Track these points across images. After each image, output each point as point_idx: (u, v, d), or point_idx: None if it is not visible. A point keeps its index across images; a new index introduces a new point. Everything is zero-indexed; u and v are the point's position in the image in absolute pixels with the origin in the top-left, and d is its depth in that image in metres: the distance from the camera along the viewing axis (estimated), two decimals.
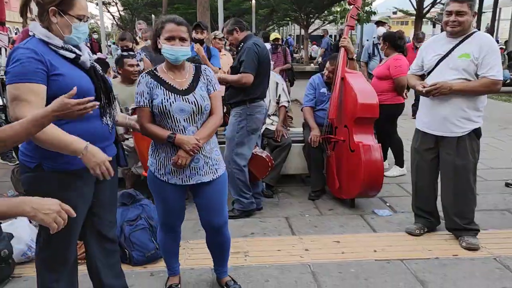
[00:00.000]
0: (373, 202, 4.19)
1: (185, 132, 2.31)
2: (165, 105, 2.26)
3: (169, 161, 2.34)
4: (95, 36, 15.16)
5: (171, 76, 2.35)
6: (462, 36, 3.08)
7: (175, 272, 2.74)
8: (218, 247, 2.65)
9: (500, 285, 2.76)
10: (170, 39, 2.27)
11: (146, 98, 2.30)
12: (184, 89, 2.32)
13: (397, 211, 4.01)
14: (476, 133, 3.16)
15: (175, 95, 2.29)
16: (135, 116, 2.49)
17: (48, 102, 1.87)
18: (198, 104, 2.30)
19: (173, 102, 2.27)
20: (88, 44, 13.67)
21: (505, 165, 5.07)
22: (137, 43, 5.76)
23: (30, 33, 1.96)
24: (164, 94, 2.28)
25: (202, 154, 2.36)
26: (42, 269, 2.14)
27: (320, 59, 13.43)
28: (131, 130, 3.78)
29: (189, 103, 2.29)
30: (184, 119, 2.30)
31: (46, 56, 1.87)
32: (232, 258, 3.05)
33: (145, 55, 5.41)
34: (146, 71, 2.39)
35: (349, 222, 3.78)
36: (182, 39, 2.29)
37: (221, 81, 3.60)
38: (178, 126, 2.30)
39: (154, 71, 2.38)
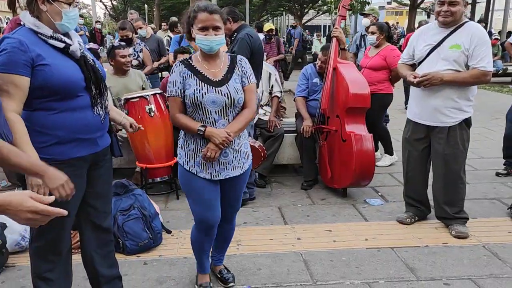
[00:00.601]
0: (365, 191, 4.24)
1: (215, 124, 2.25)
2: (197, 96, 2.20)
3: (198, 153, 2.28)
4: (97, 25, 14.93)
5: (206, 66, 2.28)
6: (453, 26, 3.08)
7: (205, 270, 2.66)
8: (223, 234, 2.63)
9: (488, 271, 2.81)
10: (203, 29, 2.19)
11: (178, 88, 2.25)
12: (217, 80, 2.25)
13: (388, 200, 4.05)
14: (467, 123, 3.19)
15: (208, 86, 2.22)
16: (131, 118, 2.49)
17: (35, 92, 1.89)
18: (231, 97, 2.23)
19: (205, 94, 2.20)
20: (87, 33, 13.50)
21: (496, 155, 5.13)
22: (136, 33, 5.62)
23: (21, 23, 1.95)
24: (197, 85, 2.22)
25: (231, 147, 2.30)
26: (36, 259, 2.14)
27: (293, 52, 13.23)
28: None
29: (222, 95, 2.22)
30: (215, 111, 2.23)
31: (32, 46, 1.86)
32: None
33: (144, 45, 5.38)
34: (180, 60, 2.32)
35: (341, 211, 3.82)
36: (216, 28, 2.21)
37: None
38: (209, 118, 2.24)
39: (189, 60, 2.32)
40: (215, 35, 2.20)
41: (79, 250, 2.37)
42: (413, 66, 3.35)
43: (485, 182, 4.49)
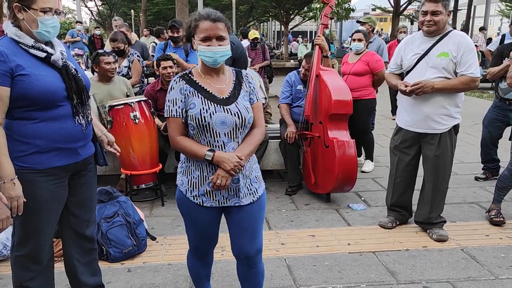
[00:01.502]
0: (348, 196, 4.30)
1: (224, 148, 1.99)
2: (204, 117, 1.94)
3: (204, 181, 2.02)
4: (97, 32, 14.73)
5: (209, 81, 2.03)
6: (438, 35, 3.16)
7: None
8: (250, 279, 2.27)
9: (466, 274, 2.88)
10: (205, 39, 1.94)
11: (179, 107, 1.98)
12: (225, 97, 2.00)
13: (371, 205, 4.12)
14: (455, 129, 3.29)
15: (215, 104, 1.96)
16: (111, 136, 2.40)
17: (15, 102, 1.90)
18: (241, 116, 1.98)
19: (213, 113, 1.95)
20: (84, 40, 13.26)
21: (476, 160, 5.25)
22: (130, 44, 5.41)
23: (5, 32, 1.97)
24: (202, 103, 1.96)
25: (241, 171, 2.03)
26: (17, 268, 2.14)
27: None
28: (109, 126, 3.81)
29: (232, 114, 1.97)
30: (225, 133, 1.98)
31: (12, 57, 1.87)
32: None
33: (137, 55, 5.28)
34: (179, 75, 2.05)
35: (324, 216, 3.87)
36: (220, 38, 1.95)
37: None
38: (218, 141, 1.98)
39: (189, 74, 2.05)
40: (219, 45, 1.95)
41: (62, 258, 2.37)
42: (401, 76, 3.43)
43: (464, 187, 4.59)
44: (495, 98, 4.54)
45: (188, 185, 2.06)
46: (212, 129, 1.96)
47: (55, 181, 2.03)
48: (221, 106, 1.98)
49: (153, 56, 6.73)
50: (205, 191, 2.04)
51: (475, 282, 2.79)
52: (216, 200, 2.06)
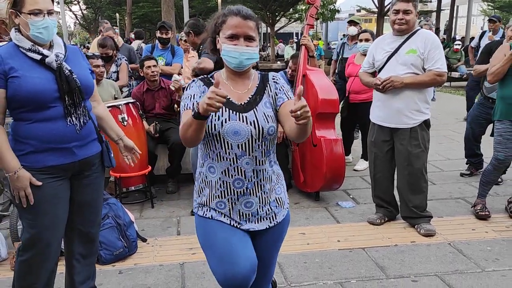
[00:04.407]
0: (337, 194, 4.34)
1: (237, 162, 1.72)
2: (214, 125, 1.69)
3: (214, 197, 1.79)
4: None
5: (230, 86, 1.77)
6: (407, 34, 3.31)
7: None
8: None
9: (453, 268, 2.94)
10: (232, 37, 1.70)
11: (196, 101, 1.71)
12: (243, 103, 1.74)
13: (360, 202, 4.17)
14: (426, 124, 3.39)
15: (230, 111, 1.71)
16: (130, 142, 2.40)
17: (10, 103, 1.99)
18: (258, 126, 1.71)
19: (225, 121, 1.69)
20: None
21: (461, 156, 5.31)
22: (117, 50, 5.34)
23: None
24: None
25: (256, 194, 1.77)
26: (20, 273, 2.16)
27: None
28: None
29: (247, 123, 1.71)
30: (238, 145, 1.71)
31: (7, 60, 1.96)
32: (200, 253, 3.11)
33: (125, 59, 5.26)
34: (199, 77, 1.83)
35: (314, 214, 3.91)
36: (249, 38, 1.71)
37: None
38: (229, 154, 1.71)
39: (210, 78, 1.82)
40: (247, 46, 1.70)
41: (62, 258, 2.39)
42: (374, 74, 3.56)
43: (450, 183, 4.67)
44: (480, 95, 4.62)
45: (200, 203, 1.86)
46: (223, 140, 1.70)
47: (54, 179, 2.08)
48: (237, 114, 1.71)
49: (141, 56, 6.70)
50: (216, 206, 1.80)
51: (462, 275, 2.85)
52: (227, 218, 1.80)
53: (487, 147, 4.93)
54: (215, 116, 1.69)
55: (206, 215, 1.81)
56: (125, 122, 3.84)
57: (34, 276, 2.14)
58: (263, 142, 1.74)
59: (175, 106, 4.39)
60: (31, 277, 2.15)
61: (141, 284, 2.80)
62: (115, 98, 4.40)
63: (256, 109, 1.74)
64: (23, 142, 2.03)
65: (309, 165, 4.12)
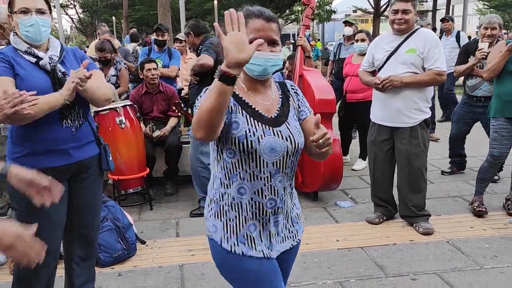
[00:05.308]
0: (336, 194, 4.35)
1: (270, 181, 1.54)
2: (251, 141, 1.48)
3: (245, 220, 1.56)
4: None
5: (255, 97, 1.56)
6: (407, 33, 3.30)
7: None
8: None
9: (452, 265, 2.95)
10: None
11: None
12: (273, 117, 1.56)
13: (358, 202, 4.18)
14: (426, 123, 3.39)
15: (264, 126, 1.52)
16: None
17: None
18: (294, 141, 1.54)
19: (261, 137, 1.49)
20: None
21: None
22: (116, 53, 5.35)
23: None
24: (248, 124, 1.50)
25: (283, 212, 1.61)
26: (19, 277, 2.17)
27: None
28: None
29: (283, 139, 1.53)
30: (273, 163, 1.52)
31: (12, 58, 2.01)
32: (199, 255, 3.13)
33: (124, 64, 5.25)
34: None
35: (312, 214, 3.91)
36: (273, 42, 1.51)
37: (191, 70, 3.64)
38: (263, 173, 1.52)
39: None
40: (271, 52, 1.50)
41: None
42: (373, 73, 3.55)
43: (448, 181, 4.68)
44: (463, 95, 4.61)
45: (224, 230, 1.57)
46: (259, 157, 1.50)
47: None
48: (270, 128, 1.53)
49: (136, 60, 6.70)
50: (245, 237, 1.56)
51: (461, 273, 2.86)
52: (260, 251, 1.57)
53: (482, 146, 4.95)
54: (250, 132, 1.49)
55: (235, 250, 1.56)
56: (122, 125, 3.84)
57: (33, 280, 2.14)
58: (295, 158, 1.59)
59: (173, 107, 4.39)
60: (30, 281, 2.14)
61: (140, 286, 2.80)
62: (112, 101, 4.40)
63: (288, 122, 1.58)
64: (19, 145, 2.05)
65: (307, 165, 4.13)
